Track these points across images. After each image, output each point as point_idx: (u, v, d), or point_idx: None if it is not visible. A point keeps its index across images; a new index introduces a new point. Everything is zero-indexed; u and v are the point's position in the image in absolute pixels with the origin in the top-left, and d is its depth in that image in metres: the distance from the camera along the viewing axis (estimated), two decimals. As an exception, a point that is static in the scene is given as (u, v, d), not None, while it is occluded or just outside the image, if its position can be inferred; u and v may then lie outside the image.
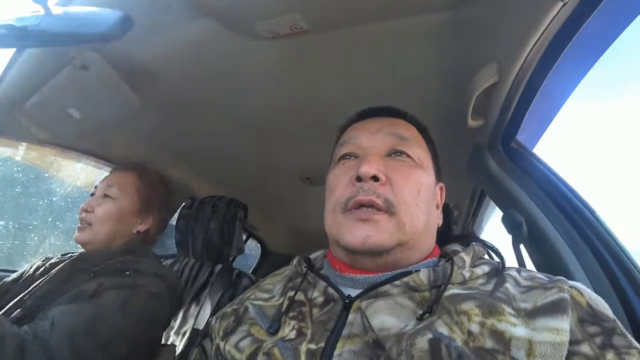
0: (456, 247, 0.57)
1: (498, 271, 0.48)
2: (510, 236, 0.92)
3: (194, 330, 1.09)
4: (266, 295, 0.59)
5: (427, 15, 0.66)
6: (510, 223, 0.88)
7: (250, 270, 2.34)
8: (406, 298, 0.45)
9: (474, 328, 0.38)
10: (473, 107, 0.84)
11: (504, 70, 0.71)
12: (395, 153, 0.56)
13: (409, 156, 0.55)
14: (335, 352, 0.41)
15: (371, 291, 0.47)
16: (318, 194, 0.59)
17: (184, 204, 1.40)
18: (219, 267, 1.28)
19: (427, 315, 0.41)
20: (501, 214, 0.94)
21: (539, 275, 0.46)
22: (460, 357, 0.35)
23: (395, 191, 0.51)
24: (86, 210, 0.94)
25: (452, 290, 0.44)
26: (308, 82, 0.87)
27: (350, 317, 0.45)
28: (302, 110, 0.99)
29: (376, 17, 0.67)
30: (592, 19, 0.60)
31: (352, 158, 0.58)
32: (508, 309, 0.39)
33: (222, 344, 0.51)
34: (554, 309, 0.37)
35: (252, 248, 2.68)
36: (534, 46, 0.65)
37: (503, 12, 0.62)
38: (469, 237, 0.72)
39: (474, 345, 0.36)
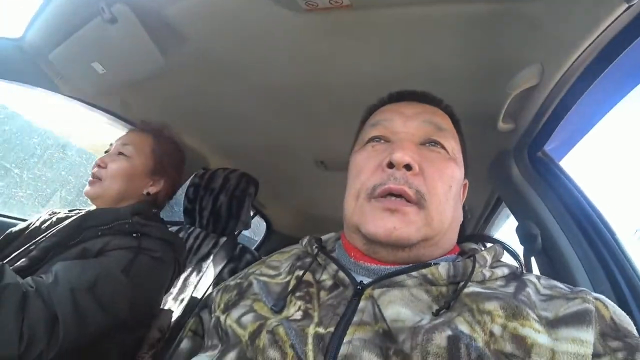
0: (474, 245, 0.55)
1: (517, 275, 0.46)
2: (522, 247, 0.89)
3: (192, 299, 1.10)
4: (272, 272, 0.57)
5: (473, 4, 0.62)
6: (524, 234, 0.85)
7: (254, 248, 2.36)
8: (422, 291, 0.43)
9: (496, 330, 0.36)
10: (505, 109, 0.80)
11: (546, 73, 0.68)
12: (430, 143, 0.53)
13: (444, 148, 0.53)
14: (345, 339, 0.38)
15: (385, 280, 0.44)
16: (331, 180, 0.56)
17: (195, 173, 1.40)
18: (223, 239, 1.28)
19: (444, 310, 0.39)
20: (514, 223, 0.92)
21: (560, 284, 0.44)
22: (480, 358, 0.33)
23: (428, 183, 0.48)
24: (99, 166, 0.94)
25: (471, 288, 0.42)
26: (340, 62, 0.84)
27: (362, 304, 0.43)
28: (329, 90, 0.96)
29: (421, 0, 0.63)
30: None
31: (382, 142, 0.54)
32: (532, 315, 0.37)
33: (222, 317, 0.49)
34: (578, 319, 0.36)
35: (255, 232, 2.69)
36: (583, 52, 0.61)
37: (557, 10, 0.58)
38: (486, 238, 0.70)
39: (494, 348, 0.35)
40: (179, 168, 1.09)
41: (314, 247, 0.56)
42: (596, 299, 0.39)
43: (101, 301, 0.68)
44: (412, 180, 0.47)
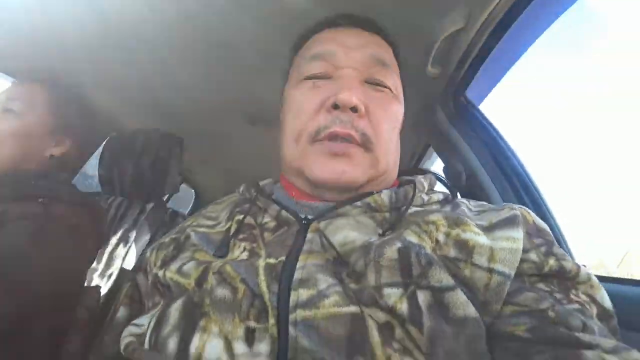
0: (411, 177, 0.57)
1: (450, 200, 0.50)
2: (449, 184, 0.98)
3: (122, 272, 1.01)
4: (210, 222, 0.53)
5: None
6: (451, 172, 0.93)
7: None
8: (367, 217, 0.44)
9: (441, 237, 0.38)
10: (434, 54, 0.82)
11: (472, 16, 0.69)
12: (375, 82, 0.51)
13: (388, 87, 0.51)
14: (298, 265, 0.38)
15: (329, 213, 0.44)
16: (263, 136, 0.53)
17: (110, 136, 1.23)
18: (150, 205, 1.18)
19: (389, 231, 0.41)
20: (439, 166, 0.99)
21: (486, 203, 0.49)
22: (430, 264, 0.35)
23: (374, 126, 0.47)
24: None
25: (413, 209, 0.44)
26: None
27: (309, 236, 0.42)
28: (256, 31, 0.87)
29: None
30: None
31: (323, 78, 0.51)
32: (471, 222, 0.40)
33: (160, 273, 0.45)
34: (509, 222, 0.40)
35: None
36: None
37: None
38: (419, 171, 0.74)
39: (440, 254, 0.37)
40: (88, 123, 0.94)
41: (252, 191, 0.53)
42: (520, 207, 0.44)
43: (4, 284, 0.58)
44: (357, 123, 0.46)
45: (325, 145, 0.46)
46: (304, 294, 0.35)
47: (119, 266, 1.04)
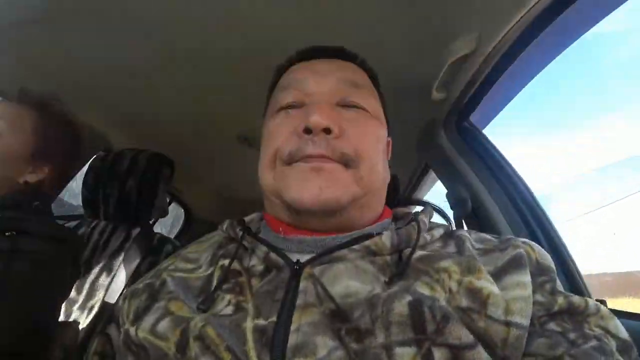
0: (406, 209, 0.55)
1: (451, 233, 0.46)
2: (452, 211, 0.94)
3: (105, 305, 0.93)
4: (190, 266, 0.48)
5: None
6: (455, 198, 0.90)
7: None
8: (366, 262, 0.40)
9: (453, 286, 0.36)
10: (440, 78, 0.80)
11: (482, 41, 0.68)
12: (348, 105, 0.48)
13: (363, 108, 0.49)
14: (292, 327, 0.33)
15: (324, 256, 0.40)
16: (257, 158, 0.50)
17: (95, 155, 1.17)
18: (137, 230, 1.10)
19: (396, 279, 0.37)
20: (438, 192, 0.96)
21: (487, 236, 0.45)
22: (446, 319, 0.31)
23: (353, 144, 0.44)
24: None
25: (419, 253, 0.40)
26: (269, 22, 0.74)
27: (302, 285, 0.38)
28: (255, 53, 0.84)
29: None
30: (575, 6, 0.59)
31: (296, 107, 0.48)
32: (483, 267, 0.37)
33: (132, 330, 0.40)
34: (516, 265, 0.38)
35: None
36: (518, 22, 0.62)
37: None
38: (414, 201, 0.71)
39: (453, 305, 0.34)
40: (72, 154, 0.88)
41: (237, 229, 0.48)
42: (524, 242, 0.42)
43: None
44: (334, 144, 0.43)
45: (300, 166, 0.42)
46: None
47: (101, 298, 0.96)
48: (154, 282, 0.45)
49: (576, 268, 0.74)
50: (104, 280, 0.99)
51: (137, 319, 0.40)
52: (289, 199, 0.41)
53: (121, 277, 1.01)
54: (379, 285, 0.37)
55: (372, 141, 0.47)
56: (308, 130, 0.43)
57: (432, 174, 1.26)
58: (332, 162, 0.42)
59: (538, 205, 0.81)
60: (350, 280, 0.37)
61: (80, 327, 0.88)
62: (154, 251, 1.11)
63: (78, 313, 0.93)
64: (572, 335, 0.33)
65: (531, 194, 0.83)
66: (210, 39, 0.83)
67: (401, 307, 0.33)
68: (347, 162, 0.43)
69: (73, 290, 0.92)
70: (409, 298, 0.33)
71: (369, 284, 0.37)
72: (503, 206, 0.83)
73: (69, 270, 0.75)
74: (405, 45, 0.78)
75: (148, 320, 0.39)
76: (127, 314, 0.43)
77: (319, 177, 0.41)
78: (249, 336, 0.33)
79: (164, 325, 0.37)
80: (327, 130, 0.43)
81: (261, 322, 0.34)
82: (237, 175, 1.65)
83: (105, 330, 0.47)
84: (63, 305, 0.81)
